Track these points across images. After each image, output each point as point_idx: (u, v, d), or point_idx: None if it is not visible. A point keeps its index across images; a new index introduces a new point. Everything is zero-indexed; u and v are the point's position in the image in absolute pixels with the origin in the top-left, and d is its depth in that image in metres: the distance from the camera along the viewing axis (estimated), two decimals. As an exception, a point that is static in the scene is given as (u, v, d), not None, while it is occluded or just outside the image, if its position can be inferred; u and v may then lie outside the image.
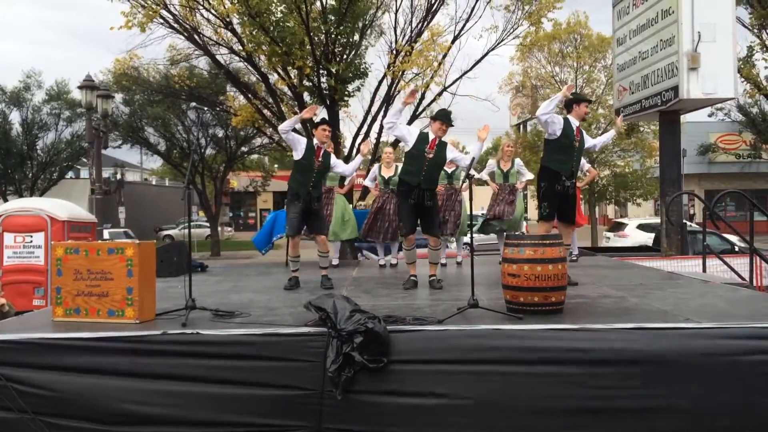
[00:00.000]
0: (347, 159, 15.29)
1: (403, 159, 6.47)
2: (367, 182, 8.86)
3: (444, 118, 6.27)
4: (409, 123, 14.62)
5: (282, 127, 6.48)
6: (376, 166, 8.76)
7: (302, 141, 6.57)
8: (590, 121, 25.84)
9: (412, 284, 6.27)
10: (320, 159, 6.50)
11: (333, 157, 6.83)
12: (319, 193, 6.60)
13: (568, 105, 6.30)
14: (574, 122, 6.18)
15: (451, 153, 6.27)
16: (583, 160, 6.59)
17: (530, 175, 8.53)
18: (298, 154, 6.49)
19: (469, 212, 6.87)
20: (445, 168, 8.05)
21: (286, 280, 6.55)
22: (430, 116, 6.37)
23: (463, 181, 6.10)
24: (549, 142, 6.19)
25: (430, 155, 6.15)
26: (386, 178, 8.28)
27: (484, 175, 8.45)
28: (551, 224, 6.21)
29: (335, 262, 8.69)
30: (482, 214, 10.11)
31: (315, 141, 6.59)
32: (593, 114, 26.29)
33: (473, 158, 6.02)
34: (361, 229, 8.43)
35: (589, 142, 6.43)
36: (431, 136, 6.21)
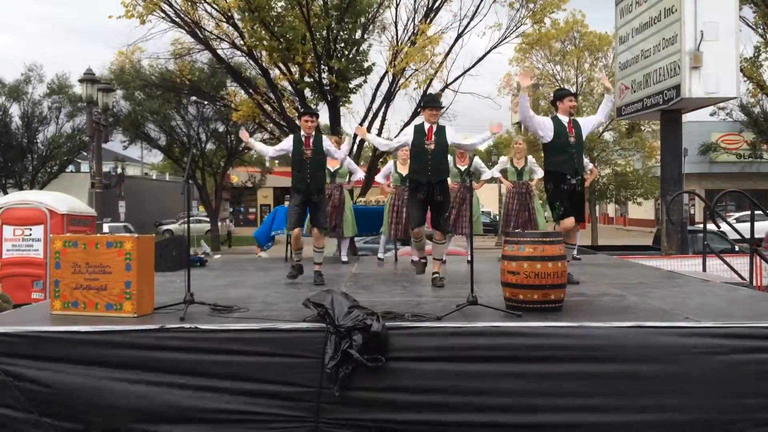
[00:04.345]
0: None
1: None
2: (379, 178, 8.79)
3: (431, 103, 6.21)
4: (410, 121, 14.63)
5: (265, 155, 6.87)
6: (390, 162, 8.70)
7: (288, 141, 6.62)
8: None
9: (421, 267, 6.34)
10: (311, 147, 6.42)
11: (326, 141, 6.66)
12: (318, 186, 6.49)
13: (553, 103, 6.24)
14: (564, 119, 6.02)
15: (451, 137, 6.13)
16: (585, 159, 6.52)
17: (542, 173, 8.45)
18: (290, 153, 6.52)
19: (480, 211, 6.87)
20: (458, 165, 8.04)
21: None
22: (420, 107, 6.32)
23: (470, 179, 6.03)
24: (545, 145, 6.08)
25: (431, 146, 6.02)
26: (403, 175, 8.21)
27: (495, 172, 8.44)
28: (570, 220, 5.92)
29: (344, 258, 8.66)
30: (482, 212, 10.02)
31: (302, 132, 6.53)
32: (594, 113, 26.26)
33: (474, 155, 5.99)
34: (386, 229, 8.37)
35: (589, 125, 6.20)
36: (427, 126, 6.08)
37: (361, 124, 15.51)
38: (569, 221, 5.89)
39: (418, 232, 6.25)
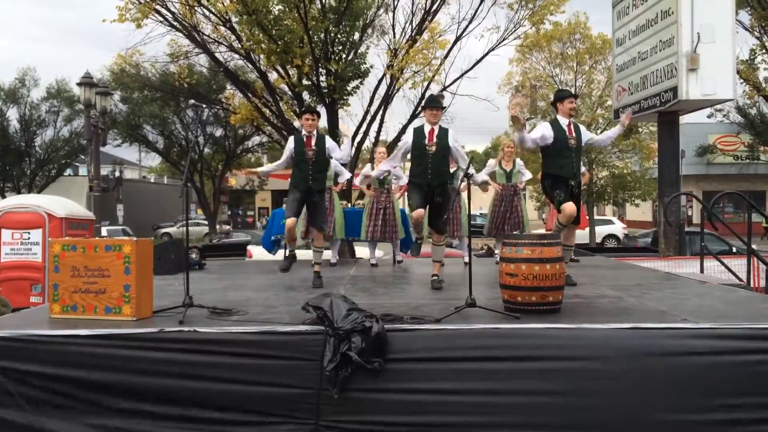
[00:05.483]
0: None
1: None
2: (357, 182, 8.82)
3: (432, 103, 6.15)
4: (408, 123, 14.64)
5: (281, 168, 6.71)
6: (368, 165, 8.72)
7: (289, 144, 6.53)
8: (589, 121, 25.85)
9: (417, 248, 6.20)
10: (313, 147, 6.35)
11: (329, 141, 6.58)
12: (320, 187, 6.42)
13: (553, 104, 6.26)
14: (563, 121, 6.04)
15: (453, 142, 6.02)
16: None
17: (529, 175, 8.55)
18: (294, 155, 6.45)
19: (468, 213, 6.83)
20: None
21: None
22: (421, 107, 6.25)
23: (462, 181, 6.01)
24: (544, 149, 6.09)
25: (432, 148, 5.93)
26: (380, 178, 8.27)
27: (483, 176, 8.45)
28: (571, 205, 5.90)
29: (333, 261, 8.67)
30: (481, 213, 10.10)
31: (303, 132, 6.48)
32: (592, 115, 26.31)
33: (472, 157, 5.97)
34: (362, 232, 8.42)
35: (586, 135, 6.24)
36: (427, 128, 6.00)
37: (359, 126, 15.54)
38: (570, 207, 5.88)
39: (418, 215, 6.08)
